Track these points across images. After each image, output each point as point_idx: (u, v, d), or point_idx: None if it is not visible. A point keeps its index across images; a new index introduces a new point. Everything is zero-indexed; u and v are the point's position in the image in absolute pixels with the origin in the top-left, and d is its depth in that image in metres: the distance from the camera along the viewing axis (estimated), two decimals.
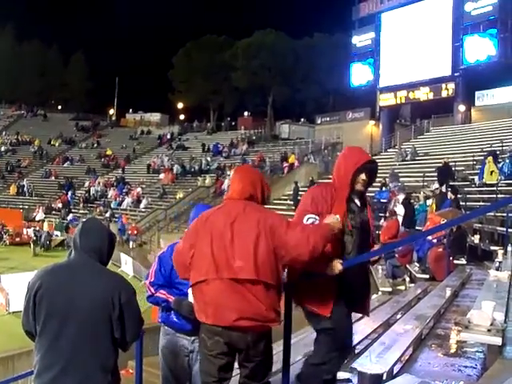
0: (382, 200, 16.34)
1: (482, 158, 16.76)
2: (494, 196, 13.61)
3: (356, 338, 4.46)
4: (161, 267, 3.43)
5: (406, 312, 6.35)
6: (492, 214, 11.62)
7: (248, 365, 2.90)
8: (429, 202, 13.72)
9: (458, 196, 12.72)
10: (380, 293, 9.19)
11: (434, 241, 9.70)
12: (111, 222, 27.98)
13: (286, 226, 2.83)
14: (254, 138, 40.09)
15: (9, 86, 58.07)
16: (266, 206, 3.05)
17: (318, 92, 48.24)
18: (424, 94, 31.32)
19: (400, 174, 19.76)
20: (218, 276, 2.78)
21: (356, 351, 4.59)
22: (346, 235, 3.15)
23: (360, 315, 4.81)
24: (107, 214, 30.09)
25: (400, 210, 12.51)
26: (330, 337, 3.16)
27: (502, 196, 13.27)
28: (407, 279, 10.18)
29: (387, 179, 18.20)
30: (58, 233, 28.70)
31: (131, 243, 25.55)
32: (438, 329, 5.51)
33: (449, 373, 4.01)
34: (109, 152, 42.89)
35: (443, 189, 13.99)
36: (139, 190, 32.88)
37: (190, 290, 3.06)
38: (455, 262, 9.70)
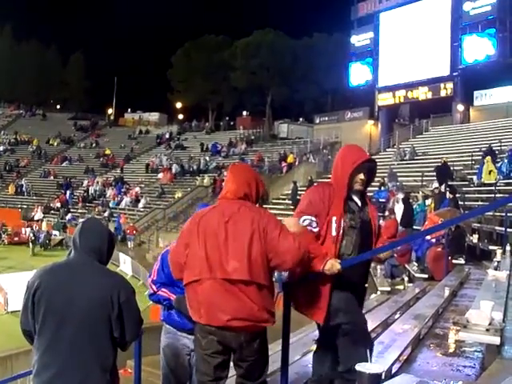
0: (380, 200, 16.32)
1: (481, 157, 16.79)
2: (493, 195, 13.64)
3: None
4: (163, 266, 3.44)
5: (404, 311, 6.36)
6: (490, 213, 11.64)
7: (243, 364, 2.90)
8: (427, 201, 13.73)
9: (457, 195, 12.74)
10: (379, 292, 9.20)
11: (433, 240, 9.71)
12: (110, 221, 27.99)
13: (279, 230, 2.80)
14: (253, 137, 40.00)
15: (7, 85, 58.02)
16: (264, 206, 3.05)
17: (317, 92, 48.17)
18: (423, 94, 31.37)
19: (399, 174, 19.78)
20: (212, 276, 2.77)
21: None
22: (346, 235, 3.13)
23: None
24: (106, 214, 30.10)
25: (398, 210, 12.50)
26: (348, 334, 3.10)
27: (501, 195, 13.30)
28: (406, 279, 10.18)
29: (386, 179, 18.21)
30: (57, 232, 28.68)
31: (130, 243, 25.57)
32: (436, 328, 5.51)
33: (447, 372, 4.01)
34: (107, 151, 42.88)
35: (442, 188, 14.00)
36: (138, 189, 32.88)
37: None
38: (454, 261, 9.72)
